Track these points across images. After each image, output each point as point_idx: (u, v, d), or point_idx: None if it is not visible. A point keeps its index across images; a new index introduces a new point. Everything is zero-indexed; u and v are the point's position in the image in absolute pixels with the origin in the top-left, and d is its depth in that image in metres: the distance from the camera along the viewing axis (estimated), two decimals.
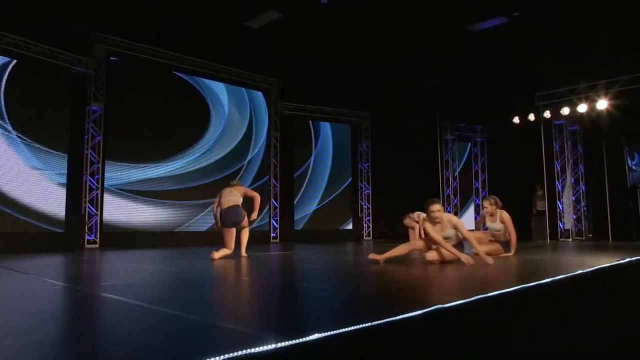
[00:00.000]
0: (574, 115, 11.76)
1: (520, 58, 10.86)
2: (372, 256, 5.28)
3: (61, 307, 2.93)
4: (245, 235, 6.51)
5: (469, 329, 2.36)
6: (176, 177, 10.92)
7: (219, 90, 11.98)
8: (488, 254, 5.27)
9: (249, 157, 12.28)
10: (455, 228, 5.23)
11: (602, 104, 11.02)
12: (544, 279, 3.44)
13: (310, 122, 13.76)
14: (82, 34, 9.91)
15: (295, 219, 12.99)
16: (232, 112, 12.15)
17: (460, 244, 5.57)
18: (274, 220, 12.69)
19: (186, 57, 11.22)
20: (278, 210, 12.76)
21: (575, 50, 10.17)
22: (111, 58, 10.28)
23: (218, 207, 6.40)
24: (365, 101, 13.81)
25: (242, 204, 6.39)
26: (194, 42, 10.77)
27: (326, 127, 14.01)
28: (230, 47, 11.11)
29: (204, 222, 11.24)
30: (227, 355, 1.54)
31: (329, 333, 1.84)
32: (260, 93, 12.77)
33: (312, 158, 13.63)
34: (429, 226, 5.19)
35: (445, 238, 5.17)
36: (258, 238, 11.43)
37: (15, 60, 8.96)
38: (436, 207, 5.18)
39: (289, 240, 12.31)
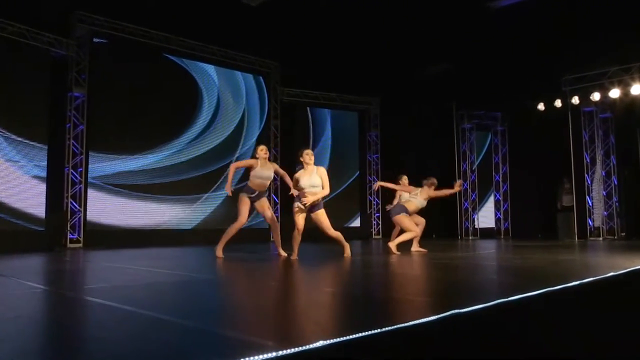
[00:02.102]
0: (606, 102, 11.68)
1: (546, 38, 10.78)
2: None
3: (41, 312, 2.95)
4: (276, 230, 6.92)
5: (487, 336, 2.36)
6: (166, 168, 10.94)
7: (213, 74, 11.97)
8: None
9: (244, 148, 12.25)
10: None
11: (637, 89, 10.94)
12: (571, 281, 3.43)
13: (313, 109, 13.74)
14: (63, 12, 9.90)
15: None
16: (227, 98, 12.15)
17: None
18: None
19: (177, 39, 11.20)
20: (279, 206, 12.75)
21: (607, 29, 10.08)
22: (94, 39, 10.27)
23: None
24: (373, 86, 13.75)
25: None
26: (186, 22, 10.74)
27: (331, 115, 13.99)
28: (225, 28, 11.07)
29: (195, 218, 11.29)
30: None
31: (334, 340, 1.84)
32: (251, 77, 12.67)
33: (316, 149, 13.62)
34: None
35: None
36: (256, 236, 11.44)
37: None
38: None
39: (290, 240, 12.31)
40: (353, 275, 4.82)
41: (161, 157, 10.91)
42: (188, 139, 11.33)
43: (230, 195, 6.67)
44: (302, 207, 6.03)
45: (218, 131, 11.85)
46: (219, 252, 6.47)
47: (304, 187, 6.02)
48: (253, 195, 6.56)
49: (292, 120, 13.42)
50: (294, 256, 6.17)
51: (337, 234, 6.28)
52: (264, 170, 6.50)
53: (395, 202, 8.41)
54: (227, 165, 11.86)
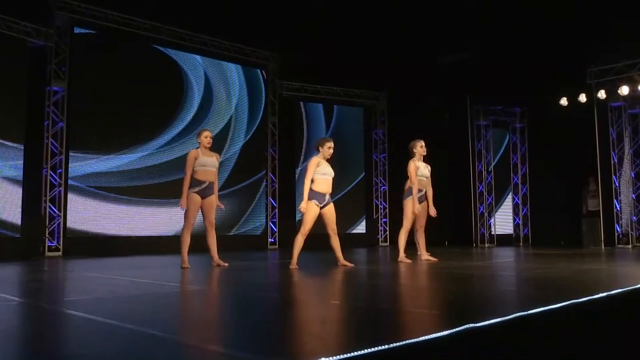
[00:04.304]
0: (635, 96, 11.67)
1: (569, 26, 10.76)
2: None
3: (18, 327, 2.95)
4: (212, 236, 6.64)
5: (505, 353, 2.36)
6: (153, 168, 10.93)
7: (204, 67, 11.98)
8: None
9: (229, 152, 12.18)
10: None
11: None
12: (598, 293, 3.43)
13: (313, 105, 13.74)
14: None
15: (297, 220, 13.00)
16: (219, 93, 12.15)
17: None
18: (271, 222, 12.71)
19: (166, 28, 11.21)
20: (277, 211, 12.76)
21: (636, 16, 10.07)
22: (76, 29, 10.29)
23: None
24: (380, 80, 13.75)
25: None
26: (176, 10, 10.75)
27: (334, 111, 13.99)
28: (219, 16, 11.08)
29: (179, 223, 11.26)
30: None
31: (336, 357, 1.84)
32: (242, 70, 12.65)
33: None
34: (416, 165, 7.19)
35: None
36: (253, 244, 11.45)
37: None
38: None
39: (289, 247, 12.32)
40: (358, 286, 4.82)
41: (147, 154, 10.87)
42: (174, 136, 11.31)
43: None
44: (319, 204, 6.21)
45: (211, 127, 11.83)
46: (184, 263, 6.38)
47: (330, 176, 6.29)
48: (201, 188, 6.39)
49: (290, 117, 13.40)
50: (293, 265, 6.17)
51: (337, 241, 6.43)
52: (207, 157, 6.49)
53: None
54: (220, 165, 11.84)
